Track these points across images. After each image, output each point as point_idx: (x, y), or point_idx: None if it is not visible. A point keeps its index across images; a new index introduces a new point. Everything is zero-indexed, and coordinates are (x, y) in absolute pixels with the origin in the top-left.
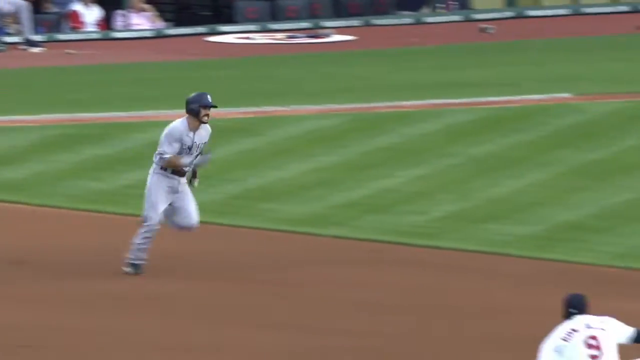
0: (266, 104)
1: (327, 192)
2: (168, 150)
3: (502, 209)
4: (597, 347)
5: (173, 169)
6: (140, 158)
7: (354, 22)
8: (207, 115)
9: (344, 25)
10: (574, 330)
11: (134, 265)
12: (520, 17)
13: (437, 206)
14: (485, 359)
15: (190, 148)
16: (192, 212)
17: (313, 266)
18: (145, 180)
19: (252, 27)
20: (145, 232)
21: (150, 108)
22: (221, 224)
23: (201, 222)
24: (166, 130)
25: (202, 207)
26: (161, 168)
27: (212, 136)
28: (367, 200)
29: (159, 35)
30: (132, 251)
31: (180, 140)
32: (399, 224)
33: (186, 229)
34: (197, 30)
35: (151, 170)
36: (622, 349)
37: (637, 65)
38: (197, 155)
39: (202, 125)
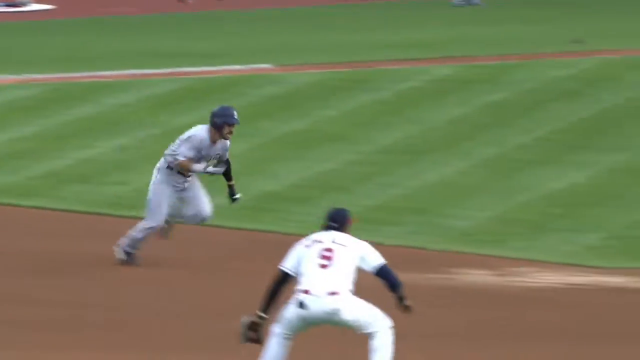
0: None
1: (27, 163)
2: (185, 154)
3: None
4: (329, 259)
5: (179, 170)
6: None
7: None
8: (231, 132)
9: None
10: (319, 241)
11: (128, 254)
12: None
13: (138, 177)
14: (178, 327)
15: (204, 158)
16: (204, 202)
17: (10, 237)
18: None
19: None
20: (147, 229)
21: None
22: None
23: None
24: (188, 133)
25: None
26: (168, 167)
27: None
28: (68, 171)
29: None
30: (128, 240)
31: (199, 149)
32: (101, 194)
33: (200, 220)
34: None
35: (157, 167)
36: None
37: (338, 35)
38: (209, 165)
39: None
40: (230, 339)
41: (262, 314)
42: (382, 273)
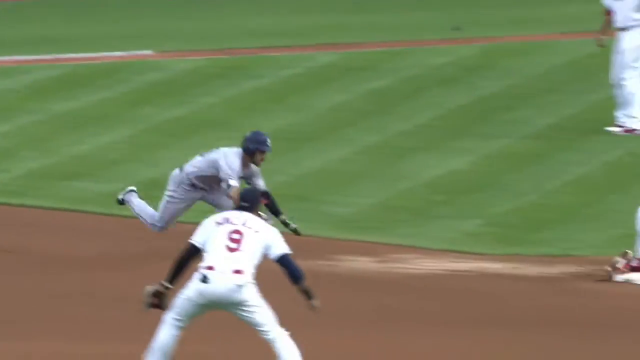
0: None
1: None
2: (237, 182)
3: (86, 166)
4: (237, 242)
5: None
6: None
7: None
8: (263, 159)
9: None
10: (229, 220)
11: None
12: None
13: (19, 164)
14: (70, 311)
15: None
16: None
17: None
18: None
19: None
20: (148, 223)
21: None
22: None
23: None
24: (229, 161)
25: None
26: (192, 184)
27: None
28: None
29: None
30: (133, 203)
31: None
32: None
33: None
34: None
35: (176, 181)
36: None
37: (219, 23)
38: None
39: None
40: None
41: (167, 284)
42: (284, 262)
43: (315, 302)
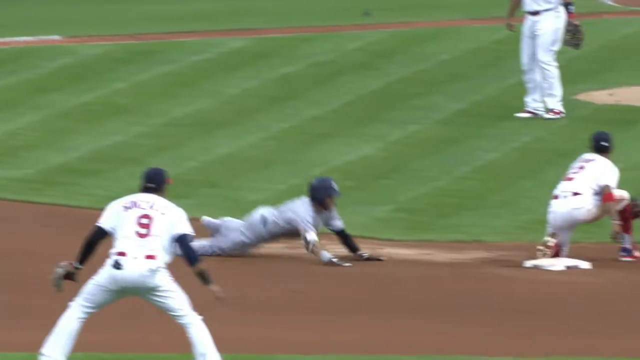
0: None
1: None
2: (314, 234)
3: None
4: (147, 227)
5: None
6: None
7: None
8: (333, 203)
9: None
10: (137, 204)
11: None
12: None
13: None
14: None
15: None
16: None
17: None
18: None
19: None
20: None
21: None
22: None
23: None
24: (301, 216)
25: None
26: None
27: None
28: None
29: None
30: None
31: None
32: None
33: None
34: None
35: (257, 233)
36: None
37: (129, 8)
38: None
39: None
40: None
41: (77, 265)
42: (181, 242)
43: (214, 287)
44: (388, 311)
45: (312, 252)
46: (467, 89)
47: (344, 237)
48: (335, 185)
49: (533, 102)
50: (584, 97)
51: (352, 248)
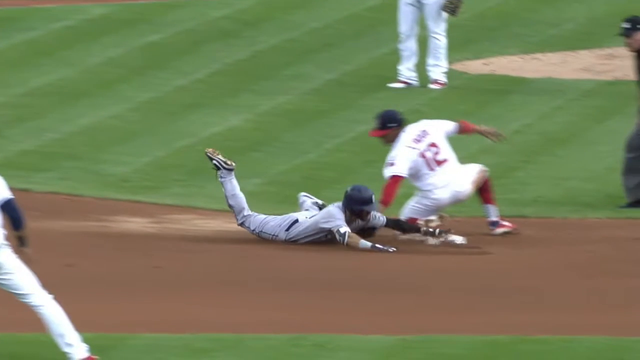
0: None
1: None
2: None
3: None
4: None
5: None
6: None
7: None
8: (369, 213)
9: None
10: None
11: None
12: None
13: None
14: None
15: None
16: None
17: None
18: None
19: None
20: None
21: None
22: None
23: None
24: (331, 218)
25: None
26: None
27: None
28: None
29: None
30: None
31: None
32: None
33: None
34: None
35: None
36: None
37: None
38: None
39: None
40: None
41: None
42: (8, 207)
43: (28, 250)
44: (252, 287)
45: (348, 244)
46: (338, 58)
47: (392, 224)
48: (373, 198)
49: (407, 71)
50: (458, 66)
51: (403, 229)
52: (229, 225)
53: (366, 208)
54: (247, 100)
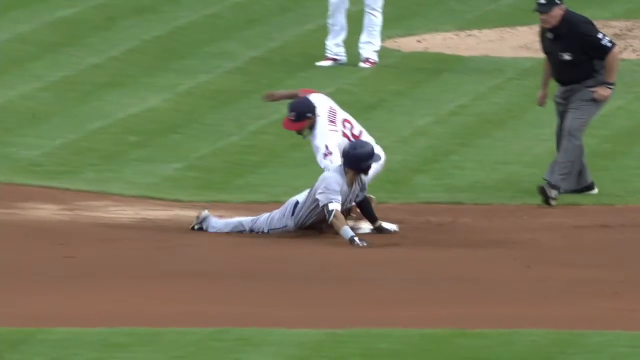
0: None
1: None
2: (338, 198)
3: None
4: None
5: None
6: None
7: None
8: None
9: None
10: None
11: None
12: None
13: None
14: None
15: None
16: None
17: None
18: None
19: None
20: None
21: None
22: None
23: None
24: (329, 182)
25: None
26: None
27: None
28: None
29: None
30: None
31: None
32: None
33: None
34: None
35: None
36: None
37: None
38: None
39: None
40: None
41: None
42: None
43: None
44: (171, 278)
45: (332, 224)
46: (263, 35)
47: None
48: (376, 150)
49: (335, 47)
50: (390, 44)
51: (372, 218)
52: (146, 213)
53: (374, 160)
54: (166, 79)
